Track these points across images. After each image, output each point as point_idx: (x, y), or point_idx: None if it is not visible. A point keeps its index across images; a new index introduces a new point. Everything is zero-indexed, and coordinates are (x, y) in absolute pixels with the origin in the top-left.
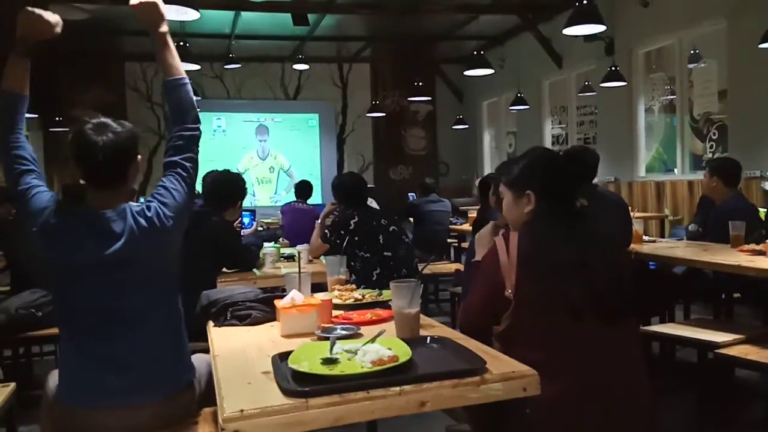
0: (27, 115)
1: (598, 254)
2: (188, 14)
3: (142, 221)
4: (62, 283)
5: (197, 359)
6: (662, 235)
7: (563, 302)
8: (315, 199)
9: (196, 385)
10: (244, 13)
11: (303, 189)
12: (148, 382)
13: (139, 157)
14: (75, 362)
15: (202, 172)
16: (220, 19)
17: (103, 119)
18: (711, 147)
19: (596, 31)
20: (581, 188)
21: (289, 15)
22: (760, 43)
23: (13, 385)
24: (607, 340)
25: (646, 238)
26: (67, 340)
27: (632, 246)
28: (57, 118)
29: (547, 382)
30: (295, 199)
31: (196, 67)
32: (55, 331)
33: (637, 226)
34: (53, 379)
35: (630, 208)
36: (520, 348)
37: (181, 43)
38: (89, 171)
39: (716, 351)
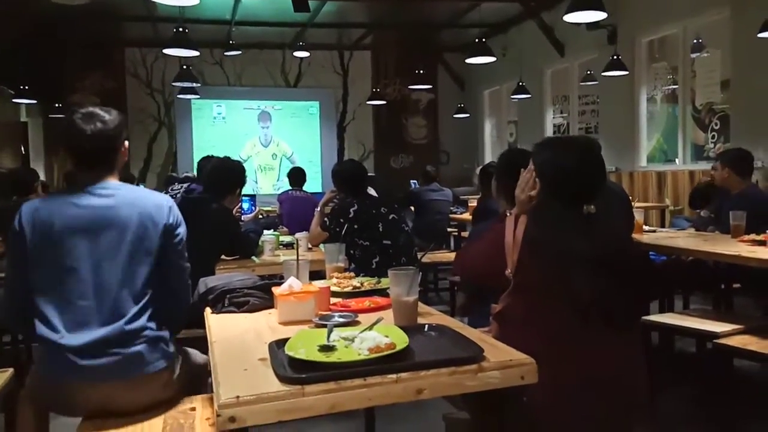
0: (27, 101)
1: (608, 256)
2: None
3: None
4: (42, 249)
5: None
6: (663, 225)
7: (565, 295)
8: (315, 187)
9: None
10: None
11: (297, 176)
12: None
13: (126, 143)
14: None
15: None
16: (220, 4)
17: (91, 108)
18: (713, 137)
19: (597, 19)
20: (592, 194)
21: (289, 1)
22: (759, 32)
23: (11, 370)
24: (607, 335)
25: (646, 227)
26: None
27: (633, 236)
28: (57, 105)
29: (545, 370)
30: (290, 187)
31: (196, 53)
32: None
33: (638, 216)
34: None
35: (631, 198)
36: (518, 331)
37: (181, 29)
38: (78, 158)
39: (715, 341)
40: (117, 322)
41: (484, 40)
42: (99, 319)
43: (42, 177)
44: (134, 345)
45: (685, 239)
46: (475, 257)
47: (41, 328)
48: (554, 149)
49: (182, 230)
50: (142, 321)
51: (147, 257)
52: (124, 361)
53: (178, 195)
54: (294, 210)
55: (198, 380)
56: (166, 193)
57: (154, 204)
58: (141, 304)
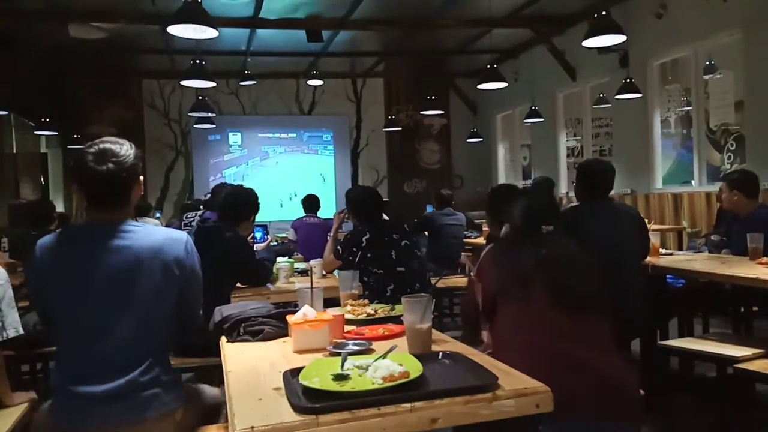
0: (46, 133)
1: (548, 266)
2: (207, 33)
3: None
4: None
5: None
6: (680, 248)
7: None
8: (330, 213)
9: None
10: (259, 31)
11: (311, 203)
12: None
13: (141, 178)
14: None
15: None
16: (235, 36)
17: (103, 146)
18: (729, 158)
19: (616, 42)
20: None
21: (303, 32)
22: None
23: (32, 396)
24: (578, 322)
25: (663, 251)
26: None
27: (649, 259)
28: (76, 136)
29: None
30: (304, 214)
31: (212, 84)
32: None
33: (654, 239)
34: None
35: (647, 220)
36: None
37: (198, 61)
38: (91, 199)
39: (735, 366)
40: (132, 373)
41: (495, 65)
42: (114, 369)
43: (61, 208)
44: (148, 390)
45: (702, 262)
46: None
47: (54, 374)
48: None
49: (199, 264)
50: (157, 370)
51: (166, 303)
52: (137, 406)
53: (193, 223)
54: (309, 237)
55: (211, 414)
56: (181, 221)
57: (172, 245)
58: (157, 353)
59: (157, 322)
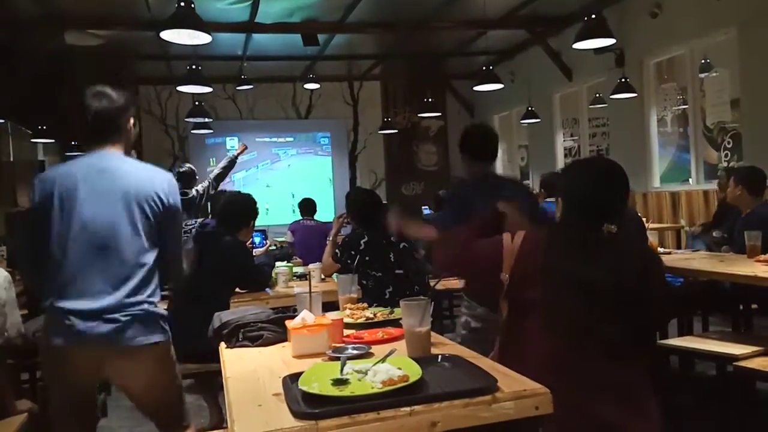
0: (44, 141)
1: (620, 279)
2: (200, 38)
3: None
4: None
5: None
6: (678, 246)
7: (562, 318)
8: (327, 216)
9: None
10: (255, 35)
11: (308, 206)
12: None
13: (132, 121)
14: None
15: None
16: (232, 41)
17: (101, 89)
18: (726, 156)
19: (606, 45)
20: (614, 214)
21: (299, 36)
22: None
23: (31, 406)
24: (607, 371)
25: (661, 249)
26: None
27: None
28: (73, 143)
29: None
30: (301, 217)
31: (209, 89)
32: None
33: (652, 238)
34: None
35: (645, 219)
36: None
37: (194, 66)
38: (88, 132)
39: (735, 364)
40: (117, 292)
41: (491, 67)
42: (100, 289)
43: None
44: (132, 316)
45: (700, 260)
46: (475, 255)
47: (47, 293)
48: (576, 170)
49: (179, 208)
50: (142, 296)
51: (148, 229)
52: (119, 330)
53: (192, 230)
54: (306, 239)
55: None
56: None
57: (156, 178)
58: (141, 277)
59: (143, 249)
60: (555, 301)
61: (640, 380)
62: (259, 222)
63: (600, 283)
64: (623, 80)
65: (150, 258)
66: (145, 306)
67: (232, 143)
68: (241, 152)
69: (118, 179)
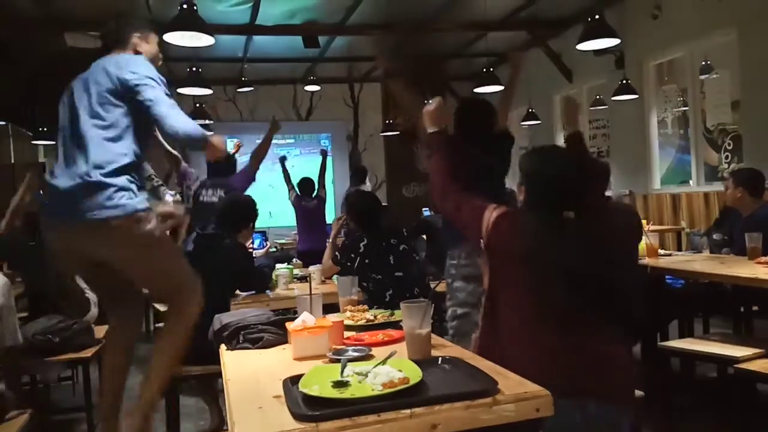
0: (44, 142)
1: (583, 262)
2: (202, 40)
3: None
4: None
5: None
6: (679, 248)
7: (530, 297)
8: (328, 218)
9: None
10: (256, 37)
11: (306, 185)
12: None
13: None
14: None
15: None
16: (232, 43)
17: None
18: (726, 158)
19: (610, 45)
20: (573, 200)
21: (300, 38)
22: None
23: (29, 411)
24: (578, 337)
25: (661, 251)
26: None
27: (647, 260)
28: None
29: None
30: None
31: (209, 91)
32: (72, 356)
33: (653, 240)
34: None
35: (645, 221)
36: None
37: (194, 68)
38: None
39: (736, 366)
40: (95, 170)
41: (491, 69)
42: (73, 165)
43: None
44: (98, 193)
45: (701, 262)
46: (462, 221)
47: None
48: (537, 158)
49: (135, 77)
50: (120, 174)
51: (114, 107)
52: (83, 206)
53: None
54: (304, 219)
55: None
56: None
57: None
58: (122, 157)
59: (121, 121)
60: (527, 288)
61: (623, 356)
62: (262, 224)
63: (563, 269)
64: (624, 82)
65: None
66: (116, 179)
67: (233, 145)
68: (236, 151)
69: None
